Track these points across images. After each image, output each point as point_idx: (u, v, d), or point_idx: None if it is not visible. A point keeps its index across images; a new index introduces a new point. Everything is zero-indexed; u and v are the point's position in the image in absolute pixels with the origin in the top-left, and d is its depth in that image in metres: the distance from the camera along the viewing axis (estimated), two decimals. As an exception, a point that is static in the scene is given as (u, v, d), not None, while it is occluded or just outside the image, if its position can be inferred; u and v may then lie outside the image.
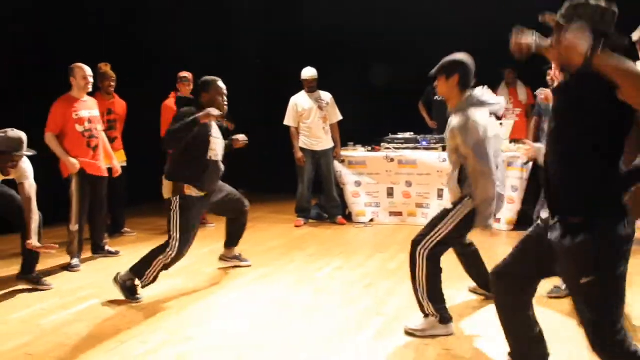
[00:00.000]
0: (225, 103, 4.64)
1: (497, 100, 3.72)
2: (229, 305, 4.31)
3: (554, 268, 2.48)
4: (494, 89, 7.98)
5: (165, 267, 4.40)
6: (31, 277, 4.74)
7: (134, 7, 8.21)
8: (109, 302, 4.36)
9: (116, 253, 5.84)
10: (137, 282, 4.38)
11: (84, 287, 4.78)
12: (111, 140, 6.23)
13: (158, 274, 4.40)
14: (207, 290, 4.66)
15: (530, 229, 2.67)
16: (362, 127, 8.09)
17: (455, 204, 3.65)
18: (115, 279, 4.37)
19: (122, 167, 6.33)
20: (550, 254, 2.43)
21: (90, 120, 5.43)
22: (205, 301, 4.38)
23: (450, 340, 3.54)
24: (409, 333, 3.63)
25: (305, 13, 9.17)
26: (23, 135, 4.35)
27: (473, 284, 4.44)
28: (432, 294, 3.60)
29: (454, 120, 3.57)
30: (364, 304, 4.27)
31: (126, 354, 3.41)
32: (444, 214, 3.66)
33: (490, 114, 3.66)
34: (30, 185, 4.53)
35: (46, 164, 5.69)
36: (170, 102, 6.87)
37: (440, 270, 3.64)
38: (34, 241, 4.34)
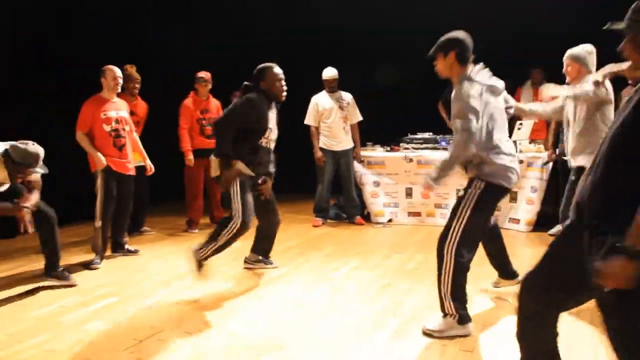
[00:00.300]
0: (284, 88, 4.79)
1: (496, 80, 3.67)
2: (247, 304, 4.32)
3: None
4: (519, 86, 7.94)
5: (230, 241, 4.53)
6: (57, 273, 4.78)
7: (141, 6, 8.23)
8: (128, 301, 4.40)
9: (135, 252, 5.88)
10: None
11: (103, 285, 4.82)
12: None
13: (219, 250, 4.55)
14: (224, 289, 4.68)
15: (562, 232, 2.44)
16: (381, 127, 8.06)
17: (465, 189, 3.62)
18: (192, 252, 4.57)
19: (141, 167, 6.39)
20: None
21: (117, 121, 5.53)
22: (223, 300, 4.40)
23: (468, 341, 3.51)
24: (426, 334, 3.60)
25: (321, 12, 9.16)
26: (41, 152, 4.42)
27: (496, 278, 4.40)
28: (455, 292, 3.56)
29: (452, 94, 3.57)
30: (381, 304, 4.25)
31: (144, 352, 3.42)
32: (459, 201, 3.64)
33: (495, 93, 3.63)
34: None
35: (73, 161, 5.78)
36: (189, 101, 6.92)
37: (467, 269, 3.61)
38: (30, 200, 4.51)
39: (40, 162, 4.43)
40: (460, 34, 3.64)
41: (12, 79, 6.60)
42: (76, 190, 6.49)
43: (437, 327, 3.60)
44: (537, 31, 7.59)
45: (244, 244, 6.20)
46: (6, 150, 4.34)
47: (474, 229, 3.62)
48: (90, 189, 5.48)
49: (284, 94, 4.79)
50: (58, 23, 7.15)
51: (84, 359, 3.34)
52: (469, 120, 3.40)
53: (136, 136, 5.92)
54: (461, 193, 3.65)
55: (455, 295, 3.56)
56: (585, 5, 7.15)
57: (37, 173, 4.52)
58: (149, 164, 5.97)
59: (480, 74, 3.59)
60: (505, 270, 4.30)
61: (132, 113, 6.38)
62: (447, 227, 3.62)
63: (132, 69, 6.37)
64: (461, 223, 3.55)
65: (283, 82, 4.78)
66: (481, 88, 3.50)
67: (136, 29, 8.09)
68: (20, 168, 4.37)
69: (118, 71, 5.54)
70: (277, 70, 4.76)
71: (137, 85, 6.45)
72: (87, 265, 5.36)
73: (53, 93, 5.89)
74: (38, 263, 4.92)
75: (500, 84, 3.67)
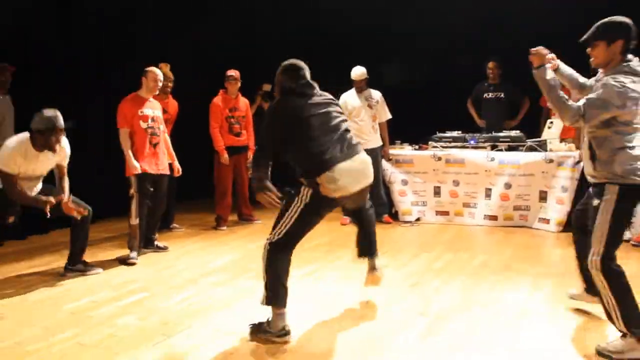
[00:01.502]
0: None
1: None
2: (274, 301, 4.34)
3: None
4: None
5: None
6: (78, 267, 4.98)
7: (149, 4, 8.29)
8: (157, 296, 4.46)
9: (165, 248, 5.95)
10: None
11: (133, 280, 4.88)
12: None
13: None
14: (253, 286, 4.70)
15: None
16: (409, 125, 8.02)
17: (599, 193, 3.30)
18: None
19: (171, 165, 6.49)
20: None
21: (153, 119, 5.64)
22: (251, 297, 4.41)
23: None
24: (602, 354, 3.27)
25: (352, 10, 9.14)
26: (56, 111, 4.59)
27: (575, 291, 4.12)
28: (624, 310, 3.21)
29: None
30: (408, 303, 4.24)
31: (173, 348, 3.47)
32: (596, 210, 3.30)
33: None
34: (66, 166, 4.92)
35: (110, 158, 5.85)
36: (218, 99, 6.98)
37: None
38: (65, 198, 4.74)
39: (61, 119, 4.58)
40: (626, 19, 3.30)
41: (12, 79, 6.47)
42: (108, 186, 6.58)
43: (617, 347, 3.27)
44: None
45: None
46: (29, 131, 4.55)
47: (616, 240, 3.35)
48: (121, 186, 5.55)
49: None
50: (58, 22, 7.13)
51: (114, 354, 3.39)
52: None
53: (167, 137, 6.00)
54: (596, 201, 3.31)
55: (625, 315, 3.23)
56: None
57: (64, 131, 4.66)
58: (177, 165, 6.02)
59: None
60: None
61: (164, 111, 6.46)
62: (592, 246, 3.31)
63: (166, 68, 6.45)
64: (605, 237, 3.28)
65: None
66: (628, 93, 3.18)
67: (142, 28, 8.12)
68: (50, 132, 4.52)
69: (160, 74, 5.67)
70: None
71: (170, 84, 6.52)
72: (123, 261, 5.47)
73: (54, 93, 5.91)
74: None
75: None
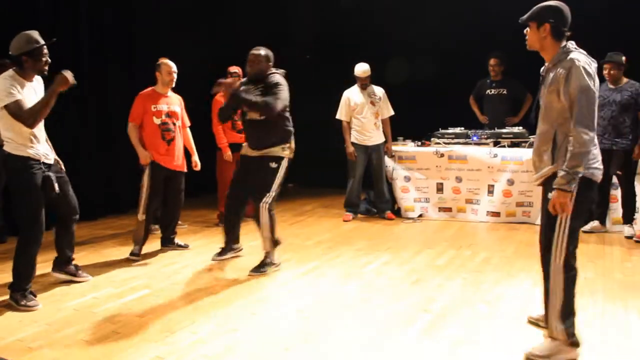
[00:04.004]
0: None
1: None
2: (277, 298, 4.35)
3: None
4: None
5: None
6: (69, 268, 4.76)
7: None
8: (160, 293, 4.46)
9: (185, 246, 5.91)
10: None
11: (136, 277, 4.89)
12: None
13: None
14: (255, 282, 4.72)
15: None
16: (412, 121, 8.02)
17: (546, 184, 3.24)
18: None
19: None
20: None
21: (169, 115, 5.59)
22: (253, 294, 4.44)
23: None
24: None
25: (354, 5, 9.15)
26: (31, 31, 4.19)
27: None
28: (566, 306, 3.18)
29: (559, 69, 3.16)
30: (411, 299, 4.24)
31: (176, 344, 3.48)
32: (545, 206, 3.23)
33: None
34: None
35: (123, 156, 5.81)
36: (221, 96, 6.96)
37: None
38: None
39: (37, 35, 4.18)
40: (561, 5, 3.28)
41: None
42: (111, 184, 6.59)
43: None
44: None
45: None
46: (13, 60, 4.17)
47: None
48: (125, 183, 5.54)
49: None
50: (57, 22, 6.99)
51: (117, 349, 3.40)
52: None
53: (188, 132, 5.94)
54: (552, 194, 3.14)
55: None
56: None
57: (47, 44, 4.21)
58: (195, 159, 5.98)
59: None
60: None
61: None
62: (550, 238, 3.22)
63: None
64: (565, 230, 3.16)
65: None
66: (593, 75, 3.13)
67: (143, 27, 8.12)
68: (37, 51, 4.11)
69: (174, 66, 5.58)
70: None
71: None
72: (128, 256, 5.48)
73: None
74: (77, 254, 4.98)
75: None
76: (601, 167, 3.18)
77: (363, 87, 7.20)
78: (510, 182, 6.86)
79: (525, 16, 3.30)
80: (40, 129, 4.29)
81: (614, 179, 6.23)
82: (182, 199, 5.87)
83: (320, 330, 3.66)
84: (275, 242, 5.03)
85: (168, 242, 5.87)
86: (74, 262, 4.79)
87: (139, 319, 3.91)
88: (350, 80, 7.25)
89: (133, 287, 4.63)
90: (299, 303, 4.21)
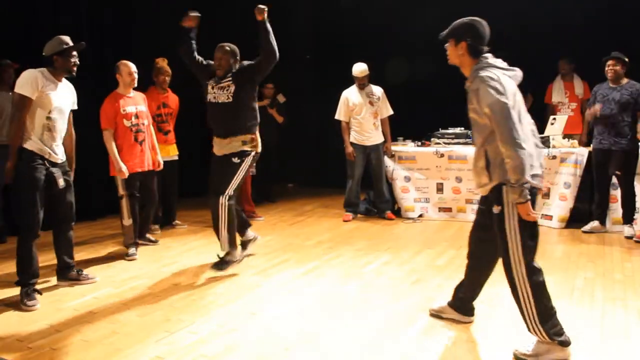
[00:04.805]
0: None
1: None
2: (277, 298, 4.35)
3: None
4: (550, 81, 7.81)
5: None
6: (70, 275, 4.73)
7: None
8: (159, 293, 4.46)
9: (155, 242, 6.03)
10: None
11: (136, 277, 4.89)
12: (165, 133, 6.42)
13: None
14: (255, 282, 4.71)
15: None
16: (412, 121, 8.02)
17: (497, 198, 3.21)
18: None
19: (174, 161, 6.51)
20: None
21: (137, 115, 5.58)
22: (253, 294, 4.43)
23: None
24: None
25: (354, 7, 9.15)
26: (63, 36, 4.41)
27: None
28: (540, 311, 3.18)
29: (473, 87, 3.22)
30: (411, 300, 4.24)
31: (176, 344, 3.48)
32: (499, 218, 3.20)
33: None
34: None
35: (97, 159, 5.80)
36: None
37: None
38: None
39: (68, 39, 4.39)
40: (476, 21, 3.38)
41: (15, 77, 6.47)
42: (110, 184, 6.56)
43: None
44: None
45: (275, 237, 6.25)
46: (44, 61, 4.35)
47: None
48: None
49: None
50: (57, 21, 7.00)
51: (117, 349, 3.40)
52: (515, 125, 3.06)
53: (152, 131, 5.91)
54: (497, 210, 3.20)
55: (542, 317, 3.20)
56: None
57: (81, 46, 4.47)
58: (158, 159, 5.90)
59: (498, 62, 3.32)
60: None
61: (164, 105, 6.47)
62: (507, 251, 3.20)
63: (163, 62, 6.43)
64: (517, 240, 3.15)
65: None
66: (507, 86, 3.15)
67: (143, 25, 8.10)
68: (68, 53, 4.33)
69: (133, 66, 5.56)
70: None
71: (167, 78, 6.47)
72: (124, 257, 5.50)
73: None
74: (75, 254, 4.97)
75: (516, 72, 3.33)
76: (539, 173, 3.13)
77: (361, 87, 7.19)
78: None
79: (444, 33, 3.40)
80: (58, 128, 4.39)
81: (614, 179, 6.23)
82: (156, 197, 5.95)
83: (320, 330, 3.66)
84: (233, 242, 4.90)
85: (140, 237, 5.91)
86: (76, 268, 4.78)
87: (139, 319, 3.91)
88: (350, 80, 7.25)
89: (133, 287, 4.63)
90: (299, 303, 4.21)
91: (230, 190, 4.79)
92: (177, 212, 7.05)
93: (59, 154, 4.42)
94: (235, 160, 4.86)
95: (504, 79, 3.12)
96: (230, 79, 4.86)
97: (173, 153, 6.57)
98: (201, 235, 6.49)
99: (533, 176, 3.07)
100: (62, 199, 4.48)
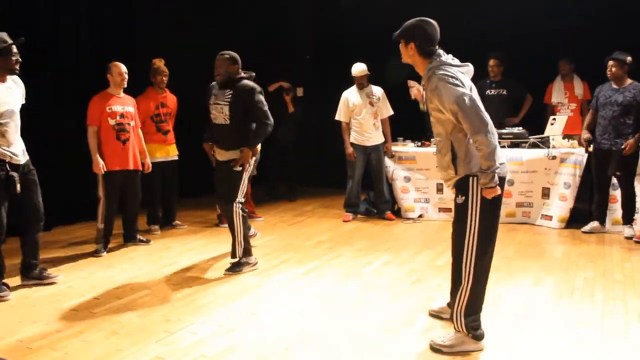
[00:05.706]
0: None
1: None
2: (277, 298, 4.35)
3: None
4: (549, 82, 7.81)
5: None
6: (32, 274, 4.71)
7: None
8: (159, 293, 4.46)
9: (147, 242, 6.05)
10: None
11: (135, 277, 4.89)
12: (164, 132, 6.42)
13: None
14: (255, 282, 4.71)
15: None
16: (412, 122, 8.01)
17: (462, 188, 3.30)
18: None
19: (174, 161, 6.51)
20: None
21: (123, 115, 5.66)
22: (253, 294, 4.43)
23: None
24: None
25: (354, 7, 9.15)
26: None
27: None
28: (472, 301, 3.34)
29: (431, 86, 3.32)
30: (411, 300, 4.24)
31: (176, 344, 3.48)
32: (462, 207, 3.30)
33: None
34: None
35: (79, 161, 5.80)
36: None
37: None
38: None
39: (6, 35, 4.29)
40: (424, 21, 3.52)
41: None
42: (86, 189, 6.57)
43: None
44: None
45: (275, 237, 6.25)
46: None
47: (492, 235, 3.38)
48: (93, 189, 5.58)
49: None
50: (57, 22, 7.01)
51: (117, 350, 3.40)
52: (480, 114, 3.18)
53: (140, 133, 5.98)
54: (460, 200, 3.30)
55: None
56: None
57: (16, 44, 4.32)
58: (148, 162, 6.00)
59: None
60: None
61: (162, 105, 6.48)
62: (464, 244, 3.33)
63: (160, 63, 6.44)
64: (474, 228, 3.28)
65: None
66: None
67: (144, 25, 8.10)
68: (7, 51, 4.23)
69: (123, 67, 5.66)
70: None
71: (165, 79, 6.48)
72: (92, 254, 5.59)
73: (57, 92, 5.80)
74: (75, 254, 4.98)
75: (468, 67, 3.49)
76: (504, 162, 3.28)
77: (360, 87, 7.18)
78: (510, 183, 6.85)
79: (396, 33, 3.50)
80: (12, 130, 4.34)
81: (614, 180, 6.23)
82: (139, 197, 5.99)
83: (320, 331, 3.66)
84: (248, 250, 5.07)
85: (130, 239, 6.00)
86: (39, 267, 4.75)
87: (139, 319, 3.91)
88: (350, 80, 7.24)
89: (132, 287, 4.63)
90: (299, 303, 4.21)
91: (240, 197, 4.96)
92: (177, 212, 7.04)
93: (19, 155, 4.41)
94: (237, 168, 4.96)
95: (459, 75, 3.26)
96: (229, 96, 4.92)
97: (173, 153, 6.57)
98: (201, 235, 6.49)
99: (501, 164, 3.19)
100: (26, 201, 4.50)
